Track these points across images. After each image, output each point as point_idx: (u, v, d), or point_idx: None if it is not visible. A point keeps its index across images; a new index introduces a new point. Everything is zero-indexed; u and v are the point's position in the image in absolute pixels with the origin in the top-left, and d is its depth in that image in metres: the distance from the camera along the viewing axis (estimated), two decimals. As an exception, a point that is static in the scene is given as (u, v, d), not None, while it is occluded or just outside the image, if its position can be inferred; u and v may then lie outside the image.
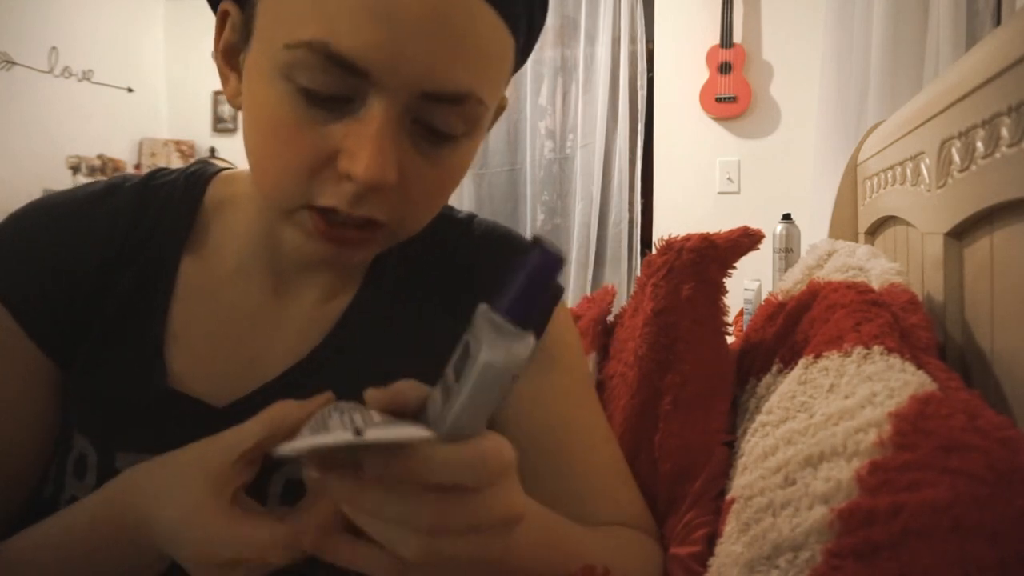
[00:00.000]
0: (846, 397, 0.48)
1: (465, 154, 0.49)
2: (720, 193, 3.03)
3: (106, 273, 0.55)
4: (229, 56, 0.51)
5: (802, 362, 0.59)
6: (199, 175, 0.60)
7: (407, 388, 0.38)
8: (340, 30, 0.40)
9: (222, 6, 0.50)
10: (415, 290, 0.61)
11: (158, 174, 0.60)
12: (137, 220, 0.56)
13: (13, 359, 0.53)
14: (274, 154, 0.46)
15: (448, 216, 0.65)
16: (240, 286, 0.58)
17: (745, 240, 0.69)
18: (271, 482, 0.53)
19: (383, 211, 0.47)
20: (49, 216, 0.56)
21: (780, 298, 0.79)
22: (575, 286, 3.16)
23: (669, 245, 0.72)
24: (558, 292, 0.67)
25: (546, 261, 0.32)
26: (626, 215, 3.19)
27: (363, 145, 0.43)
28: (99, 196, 0.57)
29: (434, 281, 0.62)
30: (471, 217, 0.67)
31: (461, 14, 0.42)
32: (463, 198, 3.31)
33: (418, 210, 0.51)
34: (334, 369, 0.56)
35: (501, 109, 0.56)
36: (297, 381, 0.55)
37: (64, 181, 3.38)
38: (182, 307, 0.56)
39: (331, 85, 0.43)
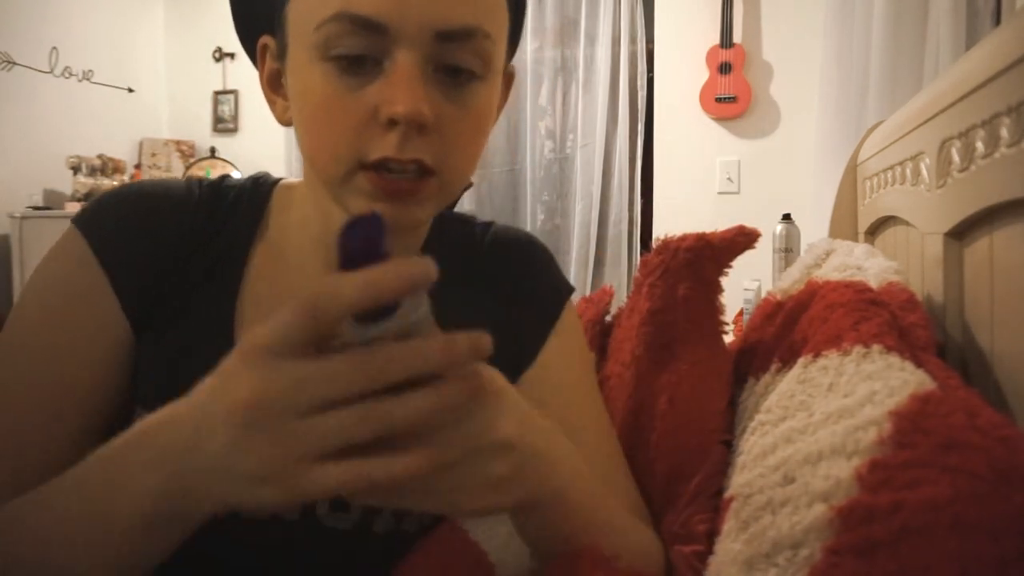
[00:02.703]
0: (845, 396, 0.48)
1: (486, 97, 0.55)
2: (720, 193, 3.03)
3: (185, 254, 0.60)
4: (274, 83, 0.59)
5: (801, 361, 0.59)
6: (265, 180, 0.68)
7: None
8: None
9: (261, 41, 0.59)
10: (447, 287, 0.65)
11: (227, 179, 0.69)
12: (212, 213, 0.63)
13: (94, 309, 0.57)
14: (324, 125, 0.53)
15: (471, 222, 0.73)
16: (301, 275, 0.63)
17: (741, 239, 0.69)
18: None
19: (428, 154, 0.52)
20: (145, 194, 0.62)
21: (778, 298, 0.79)
22: (575, 286, 3.16)
23: (665, 245, 0.72)
24: (568, 289, 0.71)
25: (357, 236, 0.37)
26: (626, 215, 3.19)
27: (397, 89, 0.49)
28: (183, 187, 0.64)
29: (461, 279, 0.67)
30: (490, 224, 0.74)
31: None
32: (464, 198, 3.31)
33: (457, 154, 0.55)
34: None
35: (509, 78, 0.63)
36: None
37: (64, 181, 3.38)
38: (251, 290, 0.62)
39: (358, 46, 0.50)
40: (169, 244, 0.60)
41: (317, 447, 0.35)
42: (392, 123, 0.50)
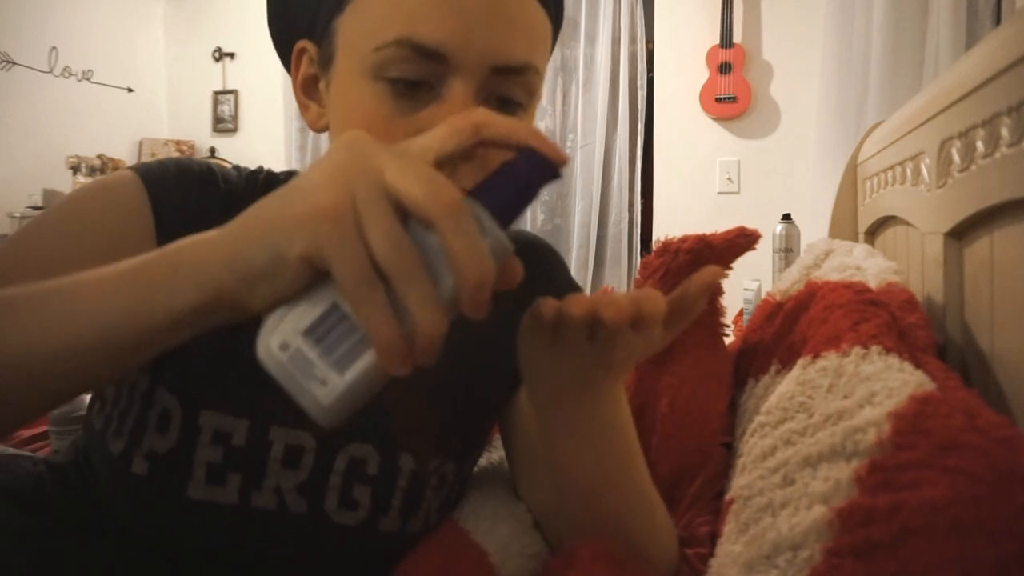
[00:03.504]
0: (845, 397, 0.48)
1: (528, 123, 0.56)
2: (720, 193, 3.03)
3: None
4: (308, 88, 0.60)
5: (800, 362, 0.58)
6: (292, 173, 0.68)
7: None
8: (420, 25, 0.49)
9: (299, 45, 0.59)
10: None
11: (263, 168, 0.68)
12: (247, 200, 0.61)
13: (138, 233, 0.56)
14: None
15: None
16: None
17: (741, 240, 0.69)
18: (336, 458, 0.57)
19: (470, 181, 0.53)
20: (206, 169, 0.62)
21: (778, 298, 0.79)
22: (575, 286, 3.16)
23: (665, 247, 0.72)
24: (577, 291, 0.72)
25: (531, 166, 0.38)
26: (626, 215, 3.19)
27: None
28: (232, 173, 0.64)
29: None
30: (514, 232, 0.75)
31: (514, 1, 0.52)
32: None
33: None
34: None
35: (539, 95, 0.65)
36: None
37: (64, 181, 3.37)
38: None
39: (417, 72, 0.50)
40: (214, 221, 0.60)
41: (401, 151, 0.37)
42: None
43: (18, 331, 0.39)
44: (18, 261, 0.52)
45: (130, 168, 0.59)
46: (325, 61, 0.56)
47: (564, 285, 0.71)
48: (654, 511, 0.56)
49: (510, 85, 0.53)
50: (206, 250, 0.38)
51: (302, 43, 0.59)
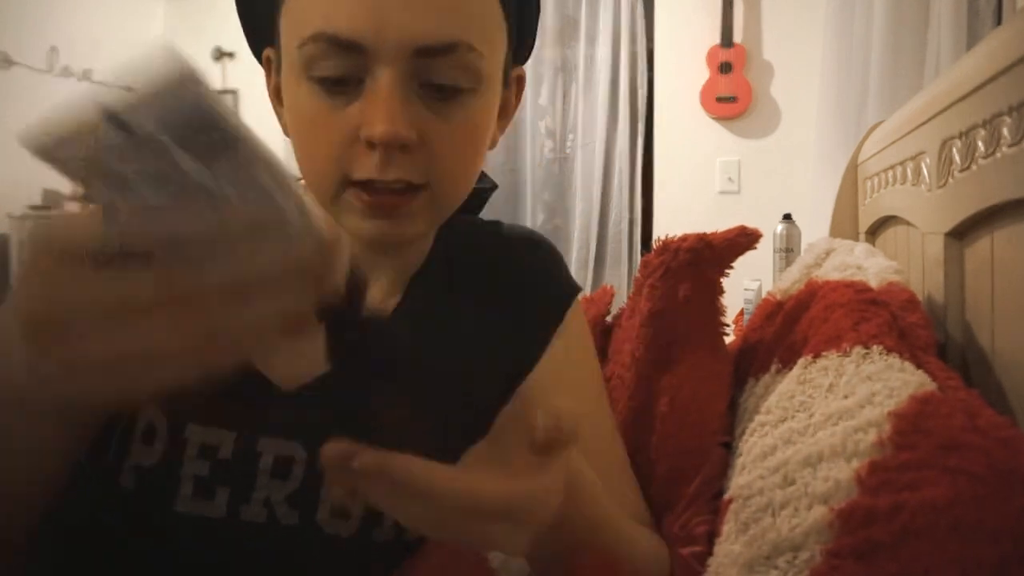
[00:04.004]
0: (845, 397, 0.48)
1: (477, 110, 0.54)
2: (720, 193, 3.03)
3: None
4: (278, 95, 0.58)
5: (801, 362, 0.58)
6: None
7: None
8: (333, 17, 0.48)
9: (264, 54, 0.59)
10: (455, 289, 0.66)
11: None
12: None
13: None
14: (310, 144, 0.53)
15: (477, 222, 0.73)
16: None
17: (742, 240, 0.68)
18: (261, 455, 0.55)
19: (414, 172, 0.52)
20: None
21: (778, 297, 0.79)
22: (575, 286, 3.16)
23: (665, 246, 0.71)
24: (575, 289, 0.71)
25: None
26: (626, 215, 3.19)
27: (375, 110, 0.49)
28: None
29: (471, 280, 0.67)
30: (499, 223, 0.74)
31: None
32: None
33: (447, 168, 0.54)
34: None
35: (519, 81, 0.62)
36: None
37: (64, 181, 3.37)
38: None
39: (338, 68, 0.49)
40: None
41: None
42: (372, 144, 0.50)
43: None
44: None
45: None
46: (278, 66, 0.57)
47: (560, 285, 0.71)
48: (636, 548, 0.55)
49: (443, 67, 0.50)
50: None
51: (267, 50, 0.59)
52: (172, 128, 0.27)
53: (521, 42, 0.61)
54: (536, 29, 0.63)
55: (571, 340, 0.68)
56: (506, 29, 0.56)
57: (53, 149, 0.27)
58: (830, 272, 0.73)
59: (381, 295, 0.63)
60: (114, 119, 0.27)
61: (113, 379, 0.28)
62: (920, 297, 0.66)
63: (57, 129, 0.27)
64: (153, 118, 0.27)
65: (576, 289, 0.72)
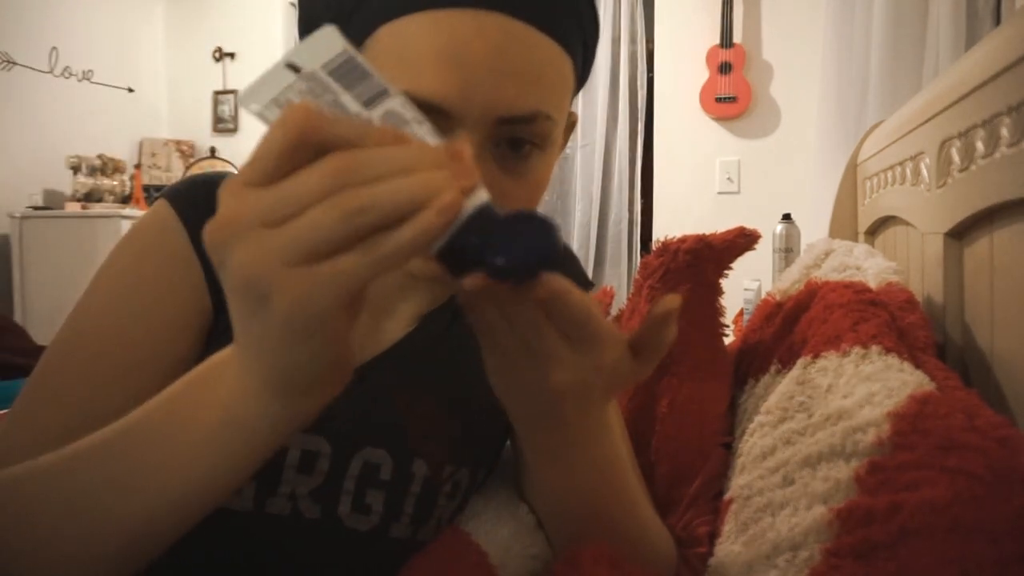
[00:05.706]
0: (844, 397, 0.48)
1: (543, 167, 0.55)
2: (720, 193, 3.03)
3: None
4: None
5: (800, 362, 0.58)
6: None
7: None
8: (422, 80, 0.48)
9: None
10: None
11: None
12: None
13: (180, 273, 0.57)
14: None
15: None
16: None
17: (741, 240, 0.68)
18: (350, 463, 0.57)
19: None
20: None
21: (778, 298, 0.79)
22: (575, 286, 3.16)
23: (665, 247, 0.71)
24: (587, 285, 0.71)
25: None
26: (626, 215, 3.19)
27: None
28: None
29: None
30: None
31: (520, 47, 0.49)
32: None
33: None
34: (414, 362, 0.64)
35: (572, 125, 0.63)
36: (379, 376, 0.61)
37: (64, 181, 3.37)
38: None
39: None
40: None
41: (292, 248, 0.31)
42: None
43: (57, 519, 0.40)
44: (53, 392, 0.52)
45: (163, 196, 0.58)
46: None
47: (577, 280, 0.71)
48: (645, 529, 0.55)
49: (519, 133, 0.52)
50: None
51: None
52: (336, 74, 0.34)
53: (580, 85, 0.61)
54: (590, 71, 0.63)
55: None
56: (574, 77, 0.57)
57: (246, 99, 0.34)
58: (829, 273, 0.73)
59: (403, 325, 0.64)
60: (288, 63, 0.34)
61: (339, 290, 0.31)
62: (919, 297, 0.67)
63: (253, 83, 0.34)
64: (319, 62, 0.34)
65: (590, 285, 0.72)
